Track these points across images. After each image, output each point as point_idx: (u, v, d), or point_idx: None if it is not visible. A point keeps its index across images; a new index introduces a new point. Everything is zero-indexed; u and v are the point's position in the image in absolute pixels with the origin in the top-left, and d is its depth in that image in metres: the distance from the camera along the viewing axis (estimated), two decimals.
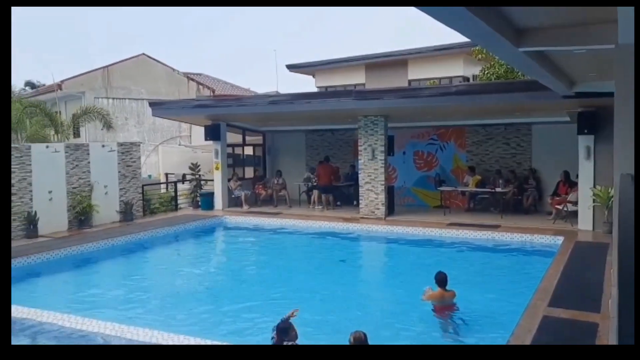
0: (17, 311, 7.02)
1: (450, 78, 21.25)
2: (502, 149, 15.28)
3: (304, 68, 25.99)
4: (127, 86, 25.23)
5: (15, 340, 6.51)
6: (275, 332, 5.56)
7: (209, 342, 5.91)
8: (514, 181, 14.33)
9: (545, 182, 14.39)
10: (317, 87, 25.43)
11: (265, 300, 8.27)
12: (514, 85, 12.47)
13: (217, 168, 16.62)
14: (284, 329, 5.43)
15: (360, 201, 14.78)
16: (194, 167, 17.45)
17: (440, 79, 21.55)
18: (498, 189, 13.87)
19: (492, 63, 17.14)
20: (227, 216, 15.50)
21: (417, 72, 22.35)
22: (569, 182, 12.99)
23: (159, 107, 17.08)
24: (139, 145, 15.97)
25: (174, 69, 26.76)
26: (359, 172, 14.83)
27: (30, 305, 7.26)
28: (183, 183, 18.37)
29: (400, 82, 21.53)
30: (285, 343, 5.37)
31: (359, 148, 14.71)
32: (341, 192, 16.54)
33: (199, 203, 16.91)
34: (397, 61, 22.70)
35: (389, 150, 14.80)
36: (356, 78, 23.97)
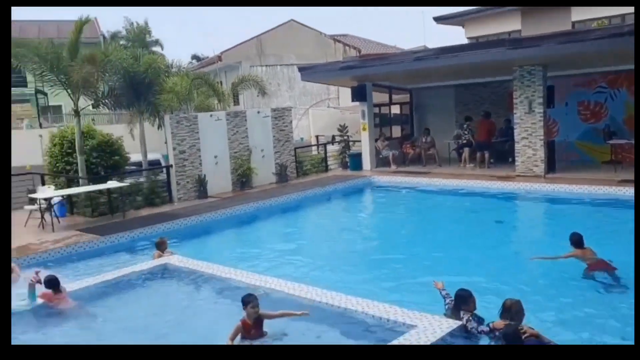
0: (190, 263, 7.92)
1: (623, 15, 18.59)
2: None
3: (452, 19, 24.71)
4: (278, 53, 26.39)
5: (184, 290, 7.39)
6: (452, 298, 5.45)
7: (354, 300, 6.06)
8: None
9: None
10: (468, 38, 24.08)
11: (416, 263, 8.28)
12: None
13: (364, 129, 16.79)
14: (463, 296, 5.29)
15: (516, 158, 13.91)
16: (342, 129, 17.83)
17: (610, 17, 18.98)
18: None
19: None
20: (375, 176, 15.68)
21: (583, 13, 19.88)
22: None
23: (307, 71, 17.63)
24: (291, 110, 16.75)
25: (321, 32, 27.27)
26: (515, 127, 13.90)
27: (201, 259, 8.13)
28: (332, 144, 18.93)
29: (562, 26, 19.37)
30: (462, 313, 5.24)
31: (514, 101, 13.74)
32: (495, 149, 15.69)
33: (348, 164, 17.32)
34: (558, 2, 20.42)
35: (549, 101, 13.64)
36: (510, 25, 22.12)
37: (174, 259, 8.19)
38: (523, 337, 4.53)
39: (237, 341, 5.37)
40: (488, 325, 5.06)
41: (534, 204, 12.27)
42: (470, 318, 5.15)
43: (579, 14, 20.08)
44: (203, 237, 10.90)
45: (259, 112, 15.56)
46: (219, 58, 25.58)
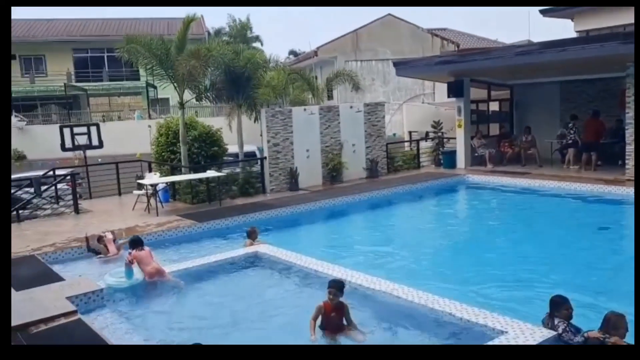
0: (280, 253, 8.17)
1: None
2: None
3: (561, 11, 23.21)
4: (373, 48, 26.31)
5: (272, 278, 7.62)
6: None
7: (426, 297, 5.94)
8: None
9: None
10: (576, 31, 22.50)
11: (510, 267, 7.93)
12: None
13: (459, 125, 16.30)
14: (557, 302, 5.09)
15: (626, 161, 12.85)
16: (436, 125, 17.43)
17: None
18: None
19: None
20: (469, 175, 15.18)
21: None
22: None
23: (402, 66, 17.41)
24: (384, 105, 16.64)
25: (418, 27, 26.79)
26: (627, 127, 12.83)
27: (290, 249, 8.34)
28: (426, 141, 18.57)
29: None
30: (557, 321, 5.00)
31: (627, 99, 12.68)
32: (603, 151, 14.58)
33: (441, 161, 16.92)
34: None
35: None
36: (626, 17, 20.37)
37: (264, 247, 8.49)
38: None
39: (318, 323, 5.54)
40: (583, 335, 4.76)
41: None
42: (568, 329, 4.86)
43: None
44: (293, 228, 11.17)
45: (351, 107, 15.63)
46: (315, 53, 26.01)
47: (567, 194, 12.51)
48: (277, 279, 7.64)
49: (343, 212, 12.24)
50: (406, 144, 19.54)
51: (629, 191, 11.86)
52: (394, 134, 22.74)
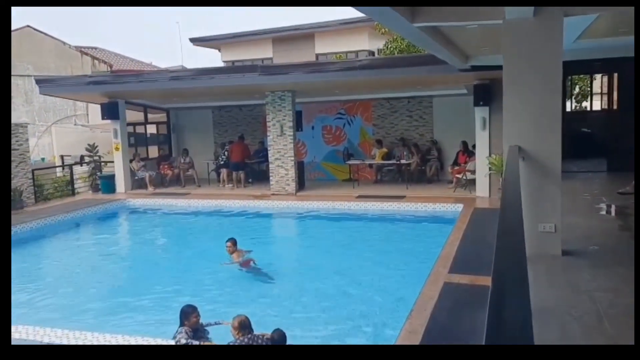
0: None
1: (356, 52, 21.46)
2: (406, 121, 15.71)
3: (209, 42, 25.13)
4: (11, 61, 23.01)
5: None
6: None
7: (110, 338, 5.57)
8: (417, 153, 14.82)
9: (447, 152, 15.01)
10: (224, 61, 24.73)
11: (172, 290, 7.94)
12: (414, 59, 12.71)
13: (116, 149, 15.68)
14: (185, 312, 5.33)
15: (270, 178, 14.63)
16: (92, 149, 16.36)
17: (346, 52, 21.70)
18: (403, 161, 14.28)
19: (394, 37, 17.45)
20: (130, 199, 14.74)
21: (324, 46, 22.35)
22: (468, 152, 13.63)
23: (47, 84, 15.71)
24: (26, 127, 14.66)
25: (64, 43, 24.75)
26: (269, 148, 14.63)
27: None
28: (81, 165, 17.21)
29: (308, 56, 21.44)
30: (180, 328, 5.20)
31: (267, 124, 14.48)
32: (251, 170, 16.29)
33: (99, 186, 15.94)
34: (304, 35, 22.53)
35: (298, 125, 14.71)
36: (263, 52, 23.56)
37: None
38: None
39: None
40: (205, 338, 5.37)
41: (287, 220, 13.04)
42: (187, 335, 5.22)
43: (322, 47, 22.47)
44: None
45: None
46: None
47: (224, 210, 13.42)
48: None
49: None
50: (58, 169, 17.73)
51: (274, 204, 13.54)
52: (43, 159, 20.35)
